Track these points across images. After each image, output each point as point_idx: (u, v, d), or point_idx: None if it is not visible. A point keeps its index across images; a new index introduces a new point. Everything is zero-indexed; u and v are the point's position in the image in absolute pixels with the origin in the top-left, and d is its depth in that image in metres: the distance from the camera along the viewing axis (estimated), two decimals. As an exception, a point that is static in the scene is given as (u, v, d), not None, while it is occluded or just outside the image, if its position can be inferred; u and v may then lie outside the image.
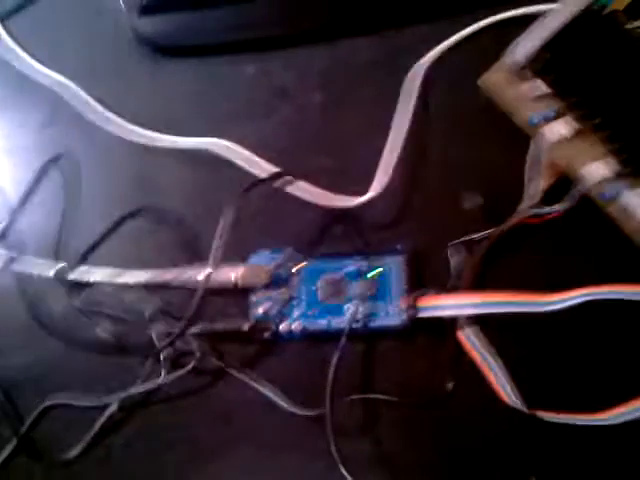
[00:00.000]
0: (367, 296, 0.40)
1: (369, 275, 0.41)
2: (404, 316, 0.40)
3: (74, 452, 0.40)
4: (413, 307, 0.40)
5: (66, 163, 0.43)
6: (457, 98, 0.45)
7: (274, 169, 0.43)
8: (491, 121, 0.43)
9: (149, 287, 0.41)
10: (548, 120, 0.41)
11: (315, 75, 0.46)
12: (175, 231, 0.43)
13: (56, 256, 0.42)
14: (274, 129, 0.45)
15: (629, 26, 0.40)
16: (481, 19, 0.45)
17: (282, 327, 0.40)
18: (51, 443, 0.40)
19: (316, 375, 0.39)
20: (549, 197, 0.41)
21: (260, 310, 0.40)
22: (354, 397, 0.40)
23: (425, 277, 0.41)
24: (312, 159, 0.44)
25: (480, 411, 0.40)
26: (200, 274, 0.40)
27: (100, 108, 0.45)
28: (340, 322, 0.40)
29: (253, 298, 0.41)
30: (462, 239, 0.41)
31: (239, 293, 0.41)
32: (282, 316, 0.40)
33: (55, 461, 0.40)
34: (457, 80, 0.45)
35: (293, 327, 0.40)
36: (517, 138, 0.42)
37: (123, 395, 0.39)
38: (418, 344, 0.41)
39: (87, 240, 0.43)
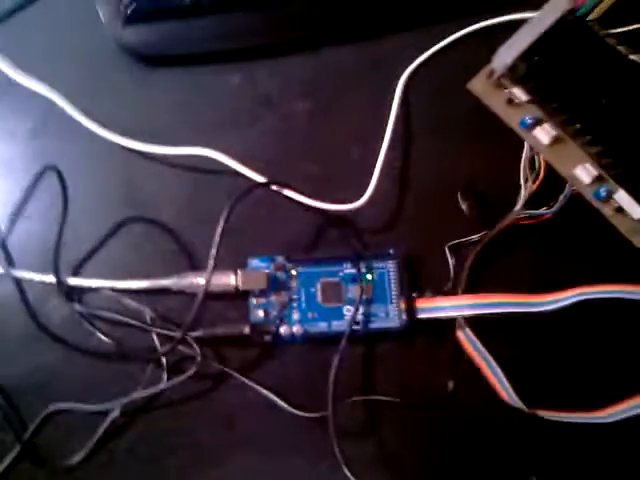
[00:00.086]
0: (365, 299, 0.41)
1: (366, 278, 0.41)
2: (403, 318, 0.40)
3: (77, 458, 0.40)
4: (412, 309, 0.41)
5: (55, 173, 0.42)
6: (445, 103, 0.45)
7: (262, 177, 0.43)
8: (481, 124, 0.44)
9: (148, 293, 0.42)
10: (535, 125, 0.42)
11: (300, 83, 0.47)
12: (168, 238, 0.43)
13: (53, 264, 0.41)
14: (260, 138, 0.46)
15: (604, 34, 0.41)
16: (465, 26, 0.46)
17: (282, 330, 0.40)
18: (54, 449, 0.40)
19: (316, 377, 0.40)
20: (541, 198, 0.42)
21: (260, 313, 0.41)
22: (355, 399, 0.40)
23: (422, 279, 0.42)
24: (298, 167, 0.45)
25: (480, 411, 0.40)
26: (200, 279, 0.40)
27: (86, 119, 0.44)
28: (340, 325, 0.41)
29: (253, 302, 0.41)
30: (458, 240, 0.42)
31: (238, 298, 0.41)
32: (282, 319, 0.41)
33: (58, 467, 0.40)
34: (444, 85, 0.46)
35: (293, 330, 0.40)
36: (508, 140, 0.43)
37: (125, 400, 0.40)
38: (417, 345, 0.41)
39: (82, 248, 0.43)
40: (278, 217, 0.44)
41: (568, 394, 0.41)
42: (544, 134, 0.42)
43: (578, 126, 0.41)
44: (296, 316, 0.41)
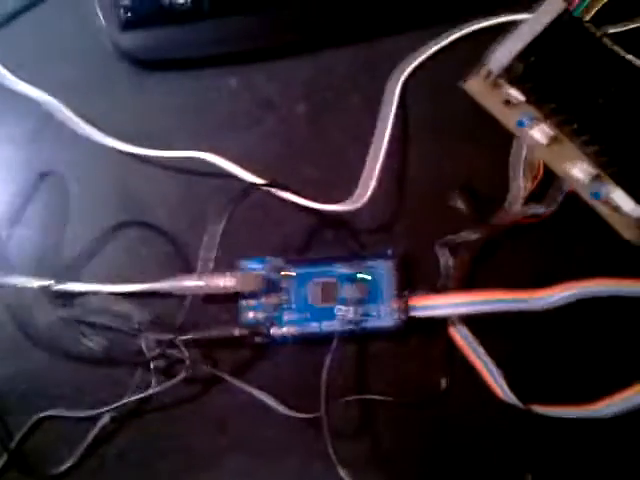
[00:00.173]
0: (358, 299, 0.40)
1: (359, 277, 0.41)
2: (396, 317, 0.40)
3: (67, 464, 0.39)
4: (405, 308, 0.40)
5: (53, 178, 0.43)
6: (441, 104, 0.45)
7: (259, 180, 0.42)
8: (476, 124, 0.44)
9: (138, 297, 0.41)
10: (532, 125, 0.41)
11: (297, 86, 0.46)
12: (163, 242, 0.43)
13: (43, 269, 0.41)
14: (258, 141, 0.45)
15: (600, 34, 0.40)
16: (461, 27, 0.45)
17: (274, 331, 0.40)
18: (43, 457, 0.40)
19: (309, 378, 0.39)
20: (537, 197, 0.41)
21: (251, 315, 0.40)
22: (349, 398, 0.40)
23: (415, 278, 0.42)
24: (297, 169, 0.44)
25: (474, 408, 0.40)
26: (191, 282, 0.40)
27: (84, 124, 0.44)
28: (332, 325, 0.40)
29: (243, 303, 0.41)
30: (449, 238, 0.41)
31: (229, 300, 0.41)
32: (273, 320, 0.40)
33: (47, 475, 0.39)
34: (441, 86, 0.45)
35: (285, 331, 0.40)
36: (502, 139, 0.42)
37: (115, 405, 0.39)
38: (411, 344, 0.41)
39: (77, 252, 0.43)
40: (271, 219, 0.43)
41: (563, 390, 0.40)
42: (541, 134, 0.41)
43: (575, 126, 0.40)
44: (289, 317, 0.40)
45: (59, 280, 0.41)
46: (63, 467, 0.39)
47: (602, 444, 0.40)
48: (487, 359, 0.40)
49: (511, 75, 0.41)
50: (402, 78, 0.45)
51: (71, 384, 0.40)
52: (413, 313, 0.40)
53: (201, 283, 0.38)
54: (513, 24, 0.42)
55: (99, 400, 0.39)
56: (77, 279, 0.42)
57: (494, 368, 0.40)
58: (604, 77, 0.40)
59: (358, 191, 0.42)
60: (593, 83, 0.40)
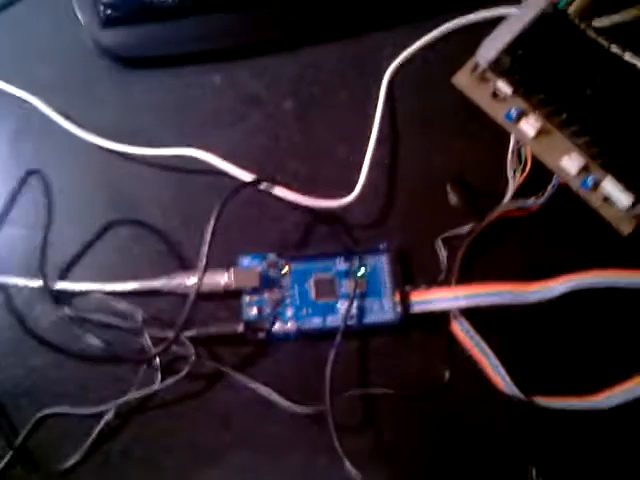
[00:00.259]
0: (359, 293, 0.41)
1: (359, 273, 0.41)
2: (398, 311, 0.40)
3: (71, 461, 0.39)
4: (406, 302, 0.41)
5: (38, 177, 0.43)
6: (430, 98, 0.46)
7: (249, 176, 0.43)
8: (465, 118, 0.45)
9: (132, 295, 0.41)
10: (520, 117, 0.42)
11: (283, 83, 0.47)
12: (155, 240, 0.43)
13: (40, 268, 0.41)
14: (243, 137, 0.46)
15: (585, 26, 0.41)
16: (449, 22, 0.47)
17: (276, 327, 0.40)
18: (47, 453, 0.39)
19: (311, 374, 0.40)
20: (529, 189, 0.42)
21: (253, 311, 0.41)
22: (352, 393, 0.40)
23: (414, 272, 0.42)
24: (285, 165, 0.45)
25: (476, 400, 0.40)
26: (191, 279, 0.40)
27: (67, 122, 0.44)
28: (334, 320, 0.41)
29: (245, 299, 0.41)
30: (449, 233, 0.42)
31: (229, 297, 0.41)
32: (275, 316, 0.41)
33: (52, 471, 0.39)
34: (429, 80, 0.46)
35: (287, 327, 0.40)
36: (494, 133, 0.43)
37: (119, 402, 0.39)
38: (412, 338, 0.41)
39: (69, 252, 0.43)
40: (267, 215, 0.44)
41: (563, 381, 0.41)
42: (529, 126, 0.42)
43: (564, 117, 0.41)
44: (290, 313, 0.41)
45: (58, 280, 0.41)
46: (68, 464, 0.39)
47: (603, 435, 0.40)
48: (489, 352, 0.40)
49: (499, 68, 0.42)
50: (390, 73, 0.46)
51: (75, 382, 0.40)
52: (414, 308, 0.41)
53: (199, 280, 0.38)
54: (500, 18, 0.43)
55: (103, 397, 0.39)
56: (70, 278, 0.42)
57: (495, 361, 0.40)
58: (590, 68, 0.41)
59: (348, 187, 0.42)
60: (580, 74, 0.41)
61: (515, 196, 0.42)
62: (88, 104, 0.46)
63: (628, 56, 0.41)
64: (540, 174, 0.42)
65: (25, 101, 0.45)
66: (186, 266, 0.42)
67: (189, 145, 0.43)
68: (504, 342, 0.40)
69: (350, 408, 0.40)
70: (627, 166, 0.40)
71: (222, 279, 0.41)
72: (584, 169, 0.41)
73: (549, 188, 0.42)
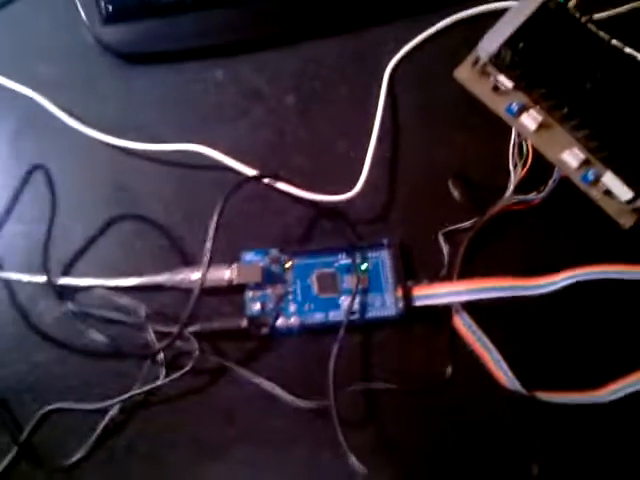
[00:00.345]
0: (361, 288, 0.41)
1: (361, 268, 0.42)
2: (400, 306, 0.41)
3: (76, 456, 0.39)
4: (408, 297, 0.41)
5: (41, 173, 0.42)
6: (431, 92, 0.46)
7: (252, 171, 0.43)
8: (467, 112, 0.45)
9: (136, 290, 0.41)
10: (521, 111, 0.42)
11: (284, 78, 0.47)
12: (157, 235, 0.43)
13: (43, 264, 0.41)
14: (246, 132, 0.46)
15: (585, 20, 0.41)
16: (449, 16, 0.47)
17: (279, 322, 0.40)
18: (52, 449, 0.40)
19: (314, 368, 0.40)
20: (531, 184, 0.42)
21: (256, 306, 0.41)
22: (355, 387, 0.40)
23: (416, 267, 0.42)
24: (287, 160, 0.45)
25: (478, 395, 0.41)
26: (195, 274, 0.40)
27: (70, 118, 0.44)
28: (336, 315, 0.41)
29: (249, 295, 0.41)
30: (451, 227, 0.42)
31: (232, 292, 0.41)
32: (278, 312, 0.41)
33: (57, 466, 0.39)
34: (430, 75, 0.46)
35: (290, 322, 0.41)
36: (496, 127, 0.43)
37: (124, 397, 0.39)
38: (414, 332, 0.42)
39: (72, 247, 0.43)
40: (270, 210, 0.44)
41: (565, 376, 0.41)
42: (531, 120, 0.42)
43: (564, 111, 0.41)
44: (292, 308, 0.41)
45: (62, 275, 0.42)
46: (72, 459, 0.39)
47: (606, 430, 0.40)
48: (490, 346, 0.40)
49: (500, 62, 0.42)
50: (391, 67, 0.46)
51: (79, 377, 0.40)
52: (416, 302, 0.41)
53: (203, 276, 0.38)
54: (501, 11, 0.43)
55: (107, 393, 0.40)
56: (74, 274, 0.42)
57: (497, 355, 0.40)
58: (591, 62, 0.41)
59: (354, 181, 0.43)
60: (580, 68, 0.41)
61: (516, 190, 0.42)
62: (90, 100, 0.46)
63: (628, 50, 0.41)
64: (541, 168, 0.42)
65: (27, 97, 0.45)
66: (188, 261, 0.43)
67: (191, 140, 0.43)
68: (506, 337, 0.41)
69: (353, 402, 0.40)
70: (627, 161, 0.40)
71: (225, 274, 0.41)
72: (585, 163, 0.41)
73: (550, 182, 0.42)
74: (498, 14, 0.42)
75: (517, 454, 0.40)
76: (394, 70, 0.46)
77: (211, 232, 0.38)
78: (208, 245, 0.38)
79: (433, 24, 0.47)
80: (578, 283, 0.40)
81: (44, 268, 0.41)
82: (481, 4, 0.47)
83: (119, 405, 0.40)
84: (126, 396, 0.39)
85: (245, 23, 0.47)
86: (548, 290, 0.40)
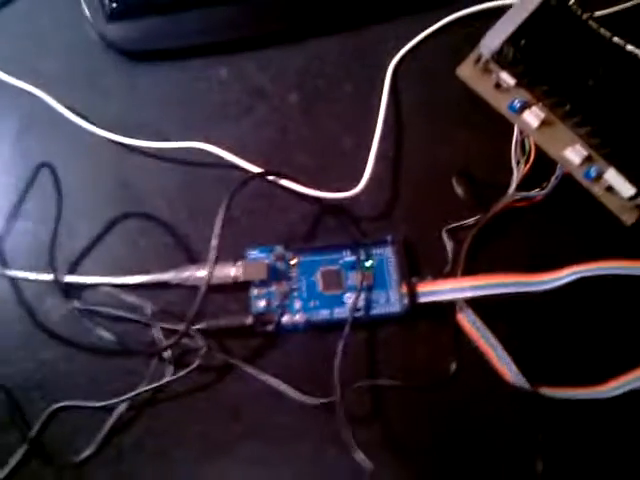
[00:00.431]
0: (366, 285, 0.41)
1: (366, 265, 0.42)
2: (404, 302, 0.41)
3: (85, 454, 0.39)
4: (412, 293, 0.41)
5: (47, 171, 0.42)
6: (434, 89, 0.46)
7: (256, 169, 0.43)
8: (470, 109, 0.45)
9: (141, 287, 0.42)
10: (523, 108, 0.42)
11: (289, 75, 0.47)
12: (162, 233, 0.43)
13: (50, 262, 0.41)
14: (252, 130, 0.46)
15: (587, 17, 0.42)
16: (452, 13, 0.47)
17: (285, 319, 0.41)
18: (61, 446, 0.40)
19: (319, 365, 0.40)
20: (534, 180, 0.43)
21: (261, 304, 0.41)
22: (360, 384, 0.40)
23: (420, 264, 0.43)
24: (291, 157, 0.45)
25: (483, 391, 0.41)
26: (201, 271, 0.40)
27: (73, 115, 0.44)
28: (341, 312, 0.41)
29: (254, 292, 0.41)
30: (455, 224, 0.43)
31: (237, 289, 0.41)
32: (284, 309, 0.41)
33: (66, 464, 0.39)
34: (433, 72, 0.46)
35: (296, 319, 0.41)
36: (498, 124, 0.43)
37: (131, 395, 0.39)
38: (419, 329, 0.42)
39: (78, 245, 0.43)
40: (274, 208, 0.44)
41: (569, 371, 0.41)
42: (533, 117, 0.42)
43: (567, 108, 0.41)
44: (298, 305, 0.41)
45: (68, 273, 0.42)
46: (81, 456, 0.39)
47: (610, 425, 0.41)
48: (495, 343, 0.41)
49: (502, 59, 0.42)
50: (393, 65, 0.46)
51: (86, 375, 0.41)
52: (421, 299, 0.41)
53: (209, 273, 0.38)
54: (503, 9, 0.43)
55: (114, 390, 0.40)
56: (80, 272, 0.42)
57: (502, 351, 0.40)
58: (593, 59, 0.41)
59: (357, 179, 0.43)
60: (582, 65, 0.41)
61: (519, 187, 0.43)
62: (94, 98, 0.46)
63: (630, 47, 0.41)
64: (544, 165, 0.43)
65: (31, 94, 0.45)
66: (193, 259, 0.43)
67: (195, 138, 0.44)
68: (510, 333, 0.41)
69: (358, 399, 0.41)
70: (629, 157, 0.40)
71: (231, 272, 0.41)
72: (587, 159, 0.41)
73: (553, 179, 0.42)
74: (500, 11, 0.42)
75: (521, 449, 0.40)
76: (397, 67, 0.47)
77: (217, 229, 0.38)
78: (214, 242, 0.38)
79: (435, 21, 0.47)
80: (581, 279, 0.40)
81: (50, 266, 0.41)
82: (483, 2, 0.47)
83: (127, 402, 0.40)
84: (133, 393, 0.40)
85: (249, 20, 0.47)
86: (552, 286, 0.40)
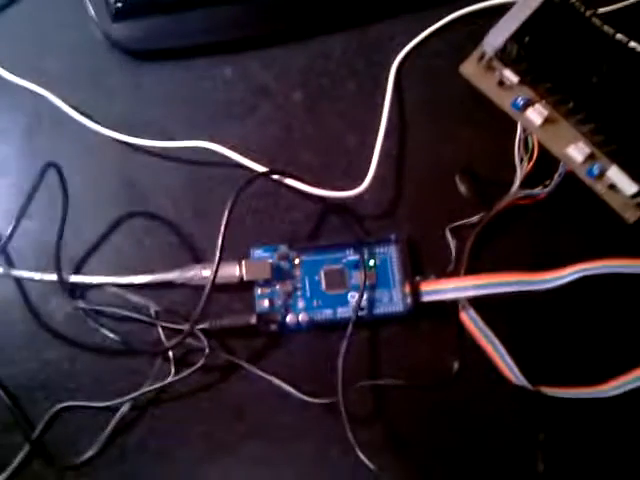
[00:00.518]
0: (369, 284, 0.41)
1: (369, 264, 0.42)
2: (408, 301, 0.41)
3: (88, 454, 0.40)
4: (416, 292, 0.41)
5: (54, 170, 0.42)
6: (438, 87, 0.46)
7: (260, 167, 0.43)
8: (473, 107, 0.45)
9: (151, 287, 0.42)
10: (527, 106, 0.42)
11: (293, 74, 0.47)
12: (167, 232, 0.43)
13: (55, 261, 0.41)
14: (256, 128, 0.46)
15: (590, 14, 0.42)
16: (455, 10, 0.47)
17: (289, 319, 0.41)
18: (64, 447, 0.40)
19: (322, 364, 0.40)
20: (536, 178, 0.42)
21: (265, 303, 0.41)
22: (363, 383, 0.40)
23: (424, 262, 0.43)
24: (295, 156, 0.45)
25: (485, 390, 0.41)
26: (205, 271, 0.40)
27: (78, 114, 0.44)
28: (344, 311, 0.41)
29: (258, 291, 0.41)
30: (458, 223, 0.42)
31: (242, 289, 0.41)
32: (287, 308, 0.41)
33: (69, 464, 0.40)
34: (437, 70, 0.46)
35: (299, 318, 0.41)
36: (501, 121, 0.43)
37: (134, 395, 0.40)
38: (422, 328, 0.42)
39: (82, 245, 0.43)
40: (278, 206, 0.44)
41: (571, 371, 0.41)
42: (536, 114, 0.42)
43: (570, 105, 0.41)
44: (301, 304, 0.41)
45: (73, 273, 0.42)
46: (84, 456, 0.39)
47: (611, 424, 0.41)
48: (496, 342, 0.41)
49: (505, 56, 0.42)
50: (397, 62, 0.46)
51: (90, 375, 0.41)
52: (424, 298, 0.41)
53: (213, 273, 0.38)
54: (507, 6, 0.43)
55: (118, 390, 0.40)
56: (84, 271, 0.42)
57: (504, 351, 0.40)
58: (596, 56, 0.41)
59: (362, 177, 0.43)
60: (586, 62, 0.41)
61: (522, 185, 0.42)
62: (99, 97, 0.46)
63: (633, 43, 0.41)
64: (546, 162, 0.42)
65: (36, 94, 0.45)
66: (198, 258, 0.43)
67: (199, 137, 0.43)
68: (512, 331, 0.41)
69: (360, 398, 0.41)
70: (632, 155, 0.40)
71: (235, 271, 0.41)
72: (590, 157, 0.41)
73: (556, 176, 0.42)
74: (503, 9, 0.42)
75: (523, 448, 0.41)
76: (400, 65, 0.46)
77: (222, 228, 0.38)
78: (219, 242, 0.38)
79: (439, 19, 0.47)
80: (584, 277, 0.40)
81: (55, 266, 0.41)
82: (487, -1, 0.47)
83: (130, 402, 0.40)
84: (137, 393, 0.40)
85: (253, 19, 0.47)
86: (554, 285, 0.40)
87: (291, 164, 0.44)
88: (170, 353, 0.40)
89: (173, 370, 0.40)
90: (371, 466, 0.38)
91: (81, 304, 0.41)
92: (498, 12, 0.42)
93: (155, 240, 0.43)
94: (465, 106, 0.45)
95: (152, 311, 0.41)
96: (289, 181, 0.43)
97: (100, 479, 0.40)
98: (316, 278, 0.42)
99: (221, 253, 0.38)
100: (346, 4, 0.47)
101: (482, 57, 0.43)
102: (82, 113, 0.44)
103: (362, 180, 0.43)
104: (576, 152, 0.41)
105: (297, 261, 0.42)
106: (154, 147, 0.44)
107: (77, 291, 0.42)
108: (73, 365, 0.41)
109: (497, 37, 0.42)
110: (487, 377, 0.41)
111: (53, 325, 0.41)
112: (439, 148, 0.45)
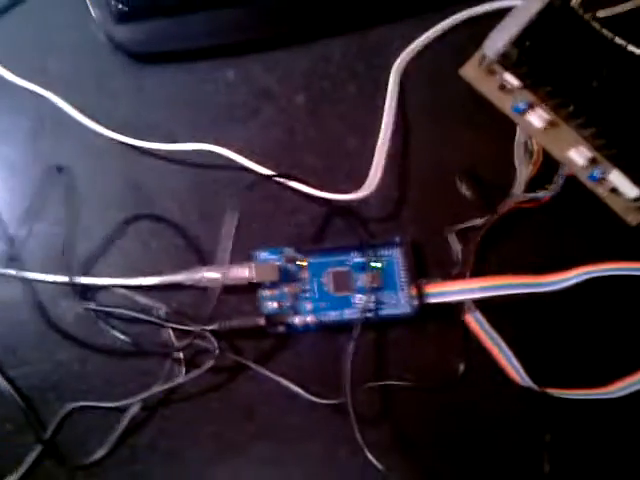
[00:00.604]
0: (375, 287, 0.42)
1: (376, 265, 0.42)
2: (413, 303, 0.41)
3: (98, 455, 0.40)
4: (421, 294, 0.41)
5: (59, 173, 0.43)
6: (440, 90, 0.46)
7: (264, 170, 0.43)
8: (476, 110, 0.45)
9: (160, 289, 0.42)
10: (528, 109, 0.43)
11: (295, 77, 0.47)
12: (173, 234, 0.43)
13: (64, 264, 0.42)
14: (259, 131, 0.46)
15: (590, 18, 0.42)
16: (457, 14, 0.47)
17: (297, 320, 0.41)
18: (75, 447, 0.40)
19: (330, 366, 0.41)
20: (538, 181, 0.43)
21: (272, 305, 0.41)
22: (370, 384, 0.41)
23: (429, 265, 0.43)
24: (298, 159, 0.45)
25: (491, 391, 0.42)
26: (214, 273, 0.40)
27: (82, 116, 0.44)
28: (351, 313, 0.41)
29: (264, 293, 0.42)
30: (461, 226, 0.43)
31: (250, 291, 0.42)
32: (294, 310, 0.41)
33: (80, 465, 0.40)
34: (438, 72, 0.46)
35: (307, 320, 0.41)
36: (503, 125, 0.44)
37: (145, 395, 0.40)
38: (428, 330, 0.42)
39: (90, 247, 0.43)
40: (283, 209, 0.44)
41: (577, 372, 0.42)
42: (537, 118, 0.43)
43: (571, 109, 0.42)
44: (308, 306, 0.42)
45: (82, 275, 0.42)
46: (95, 457, 0.40)
47: (617, 425, 0.41)
48: (502, 344, 0.41)
49: (506, 60, 0.42)
50: (398, 65, 0.46)
51: (100, 376, 0.41)
52: (430, 300, 0.41)
53: (221, 275, 0.39)
54: (507, 10, 0.43)
55: (128, 391, 0.40)
56: (93, 273, 0.42)
57: (509, 352, 0.41)
58: (596, 60, 0.41)
59: (365, 180, 0.43)
60: (586, 66, 0.41)
61: (526, 188, 0.43)
62: (101, 99, 0.46)
63: (633, 47, 0.41)
64: (549, 166, 0.43)
65: (40, 96, 0.45)
66: (204, 260, 0.43)
67: (202, 140, 0.44)
68: (517, 333, 0.42)
69: (368, 399, 0.41)
70: (633, 158, 0.41)
71: (244, 273, 0.41)
72: (591, 161, 0.42)
73: (558, 180, 0.43)
74: (504, 12, 0.43)
75: (529, 449, 0.41)
76: (402, 68, 0.47)
77: (230, 231, 0.39)
78: (228, 244, 0.39)
79: (440, 22, 0.47)
80: (589, 280, 0.40)
81: (65, 268, 0.41)
82: (488, 2, 0.47)
83: (140, 403, 0.40)
84: (147, 394, 0.40)
85: (255, 23, 0.47)
86: (559, 287, 0.41)
87: (295, 167, 0.45)
88: (180, 354, 0.41)
89: (183, 371, 0.41)
90: (379, 466, 0.38)
91: (91, 306, 0.41)
92: (499, 15, 0.43)
93: (161, 242, 0.44)
94: (466, 109, 0.46)
95: (162, 312, 0.41)
96: (294, 184, 0.43)
97: (110, 479, 0.40)
98: (323, 280, 0.42)
99: (230, 255, 0.39)
100: (347, 7, 0.47)
101: (483, 60, 0.44)
102: (87, 115, 0.44)
103: (364, 182, 0.43)
104: (577, 156, 0.42)
105: (303, 263, 0.42)
106: (159, 150, 0.44)
107: (87, 293, 0.42)
108: (84, 366, 0.41)
109: (497, 41, 0.42)
110: (493, 379, 0.42)
111: (63, 326, 0.41)
112: (441, 150, 0.45)
